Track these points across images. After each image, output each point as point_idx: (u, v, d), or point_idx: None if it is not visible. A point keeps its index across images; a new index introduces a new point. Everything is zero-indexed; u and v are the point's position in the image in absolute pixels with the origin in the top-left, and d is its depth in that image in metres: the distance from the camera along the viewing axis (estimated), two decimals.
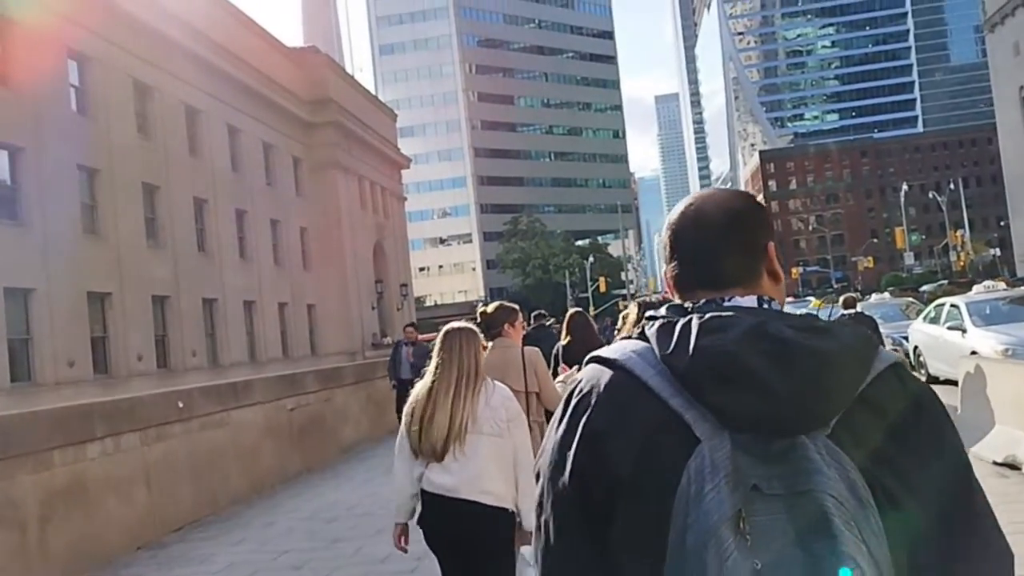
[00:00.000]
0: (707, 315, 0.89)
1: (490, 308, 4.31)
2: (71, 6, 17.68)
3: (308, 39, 54.28)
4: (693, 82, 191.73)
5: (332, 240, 31.21)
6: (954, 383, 8.05)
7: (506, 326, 4.13)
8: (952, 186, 60.32)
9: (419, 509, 2.97)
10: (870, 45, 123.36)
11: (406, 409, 2.94)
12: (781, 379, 0.81)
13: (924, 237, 76.99)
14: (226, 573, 5.51)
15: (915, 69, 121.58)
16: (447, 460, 2.80)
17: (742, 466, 0.80)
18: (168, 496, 6.76)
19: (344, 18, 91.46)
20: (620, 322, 3.91)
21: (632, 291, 63.14)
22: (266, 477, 8.57)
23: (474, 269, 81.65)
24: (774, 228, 1.06)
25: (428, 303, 70.53)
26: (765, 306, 0.95)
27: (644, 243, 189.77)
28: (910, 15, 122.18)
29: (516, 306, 4.33)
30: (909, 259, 56.65)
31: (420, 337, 11.48)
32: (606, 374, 0.93)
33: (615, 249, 74.45)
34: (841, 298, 9.79)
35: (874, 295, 29.13)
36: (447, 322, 3.24)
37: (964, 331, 10.72)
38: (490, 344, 3.83)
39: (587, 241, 74.92)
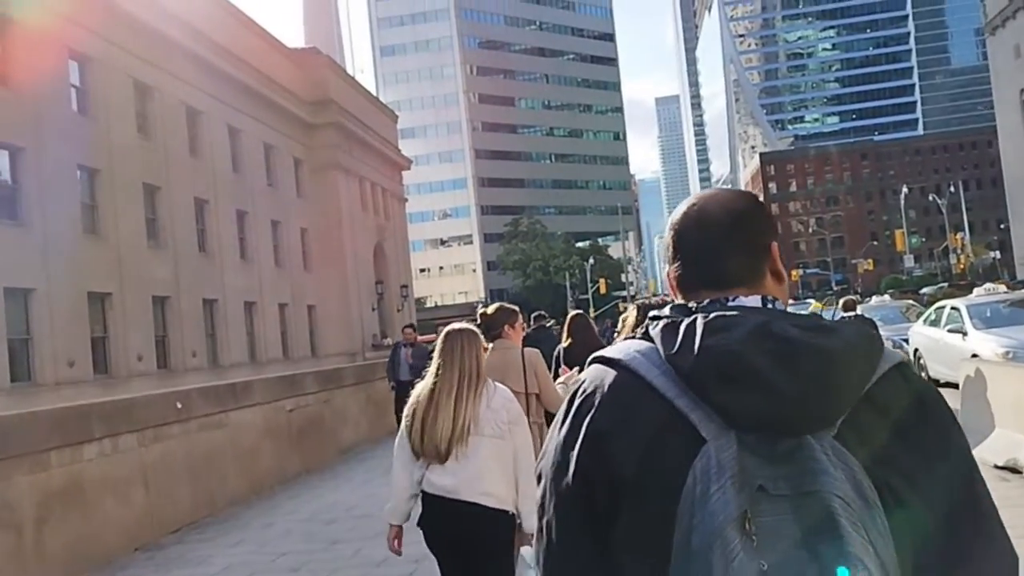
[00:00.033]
0: (712, 315, 0.88)
1: (490, 310, 4.31)
2: (72, 6, 17.69)
3: (309, 40, 54.35)
4: (694, 84, 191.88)
5: (333, 241, 31.20)
6: (954, 386, 8.03)
7: (506, 327, 4.14)
8: (952, 189, 60.32)
9: (416, 511, 2.96)
10: (871, 48, 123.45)
11: (407, 410, 2.94)
12: (786, 379, 0.81)
13: (924, 240, 76.98)
14: (224, 575, 5.49)
15: (915, 72, 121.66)
16: (448, 461, 2.79)
17: (748, 467, 0.79)
18: (166, 497, 6.74)
19: (345, 19, 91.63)
20: (620, 325, 3.90)
21: (632, 293, 63.11)
22: (265, 478, 8.55)
23: (474, 270, 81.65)
24: (777, 228, 1.06)
25: (428, 304, 70.51)
26: (769, 306, 0.94)
27: (644, 245, 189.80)
28: (911, 18, 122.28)
29: (516, 308, 4.33)
30: (909, 262, 56.61)
31: (420, 338, 11.47)
32: (610, 374, 0.93)
33: (615, 251, 74.46)
34: (841, 301, 9.78)
35: (874, 297, 29.12)
36: (447, 323, 3.23)
37: (965, 334, 10.70)
38: (490, 346, 3.83)
39: (587, 243, 74.91)
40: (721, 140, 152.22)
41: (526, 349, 4.17)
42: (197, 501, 7.16)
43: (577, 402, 0.95)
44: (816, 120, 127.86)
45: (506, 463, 2.84)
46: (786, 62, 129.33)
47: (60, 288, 17.14)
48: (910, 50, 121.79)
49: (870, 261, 66.03)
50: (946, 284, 37.76)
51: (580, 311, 6.30)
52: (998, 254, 62.45)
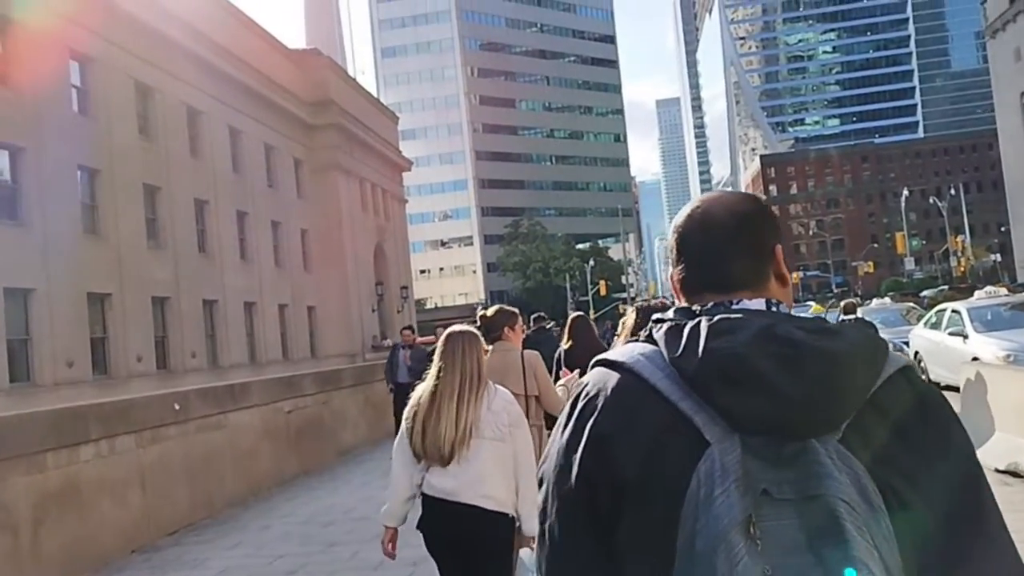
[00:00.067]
0: (716, 318, 0.88)
1: (490, 312, 4.31)
2: (73, 7, 17.69)
3: (310, 41, 54.38)
4: (694, 86, 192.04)
5: (333, 242, 31.19)
6: (955, 389, 8.01)
7: (506, 330, 4.14)
8: (953, 191, 60.33)
9: (413, 514, 2.96)
10: (871, 50, 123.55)
11: (407, 412, 2.93)
12: (791, 382, 0.81)
13: (924, 242, 76.91)
14: None
15: (916, 75, 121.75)
16: (450, 464, 2.79)
17: (752, 470, 0.79)
18: (163, 499, 6.72)
19: (346, 21, 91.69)
20: (620, 328, 3.88)
21: (632, 295, 63.11)
22: (263, 480, 8.52)
23: (474, 272, 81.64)
24: (781, 231, 1.05)
25: (428, 305, 70.51)
26: (773, 309, 0.94)
27: (644, 247, 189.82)
28: (911, 21, 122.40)
29: (516, 310, 4.33)
30: (909, 264, 56.58)
31: (419, 340, 11.43)
32: (613, 377, 0.92)
33: (616, 253, 74.45)
34: (841, 304, 9.77)
35: (875, 300, 29.11)
36: (447, 325, 3.21)
37: (965, 337, 10.67)
38: (490, 348, 3.82)
39: (588, 244, 74.94)
40: (722, 142, 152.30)
41: (526, 351, 4.17)
42: (195, 503, 7.13)
43: (580, 405, 0.94)
44: (817, 122, 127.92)
45: (506, 466, 2.83)
46: (787, 64, 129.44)
47: (60, 288, 17.12)
48: (911, 53, 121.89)
49: (870, 264, 66.02)
50: (946, 287, 37.76)
51: (581, 313, 6.29)
52: (998, 257, 62.43)
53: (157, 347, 21.03)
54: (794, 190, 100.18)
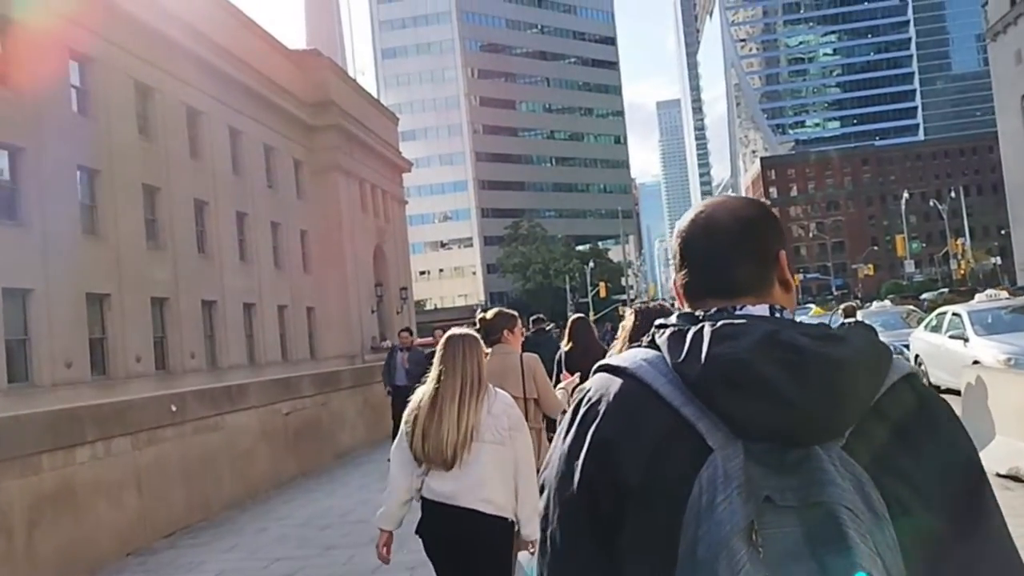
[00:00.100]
0: (719, 323, 0.88)
1: (489, 315, 4.30)
2: (73, 7, 17.67)
3: (311, 42, 54.39)
4: (695, 88, 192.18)
5: (332, 243, 31.17)
6: (956, 392, 7.98)
7: (505, 332, 4.15)
8: (953, 194, 60.31)
9: (409, 518, 2.94)
10: (872, 53, 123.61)
11: (406, 416, 2.91)
12: (795, 388, 0.80)
13: (924, 245, 76.89)
14: None
15: (916, 77, 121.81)
16: (439, 467, 2.78)
17: (755, 477, 0.78)
18: (160, 501, 6.69)
19: (347, 22, 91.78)
20: (620, 331, 3.86)
21: (632, 296, 63.10)
22: (260, 482, 8.49)
23: (474, 273, 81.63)
24: (786, 236, 1.04)
25: (428, 307, 70.48)
26: (777, 315, 0.94)
27: (644, 249, 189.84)
28: (912, 23, 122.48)
29: (515, 313, 4.32)
30: (909, 267, 56.56)
31: (418, 341, 11.38)
32: (615, 383, 0.92)
33: (615, 254, 74.46)
34: (841, 307, 9.74)
35: (875, 303, 29.08)
36: (446, 326, 3.20)
37: (966, 340, 10.64)
38: (489, 351, 3.81)
39: (587, 246, 74.93)
40: (722, 144, 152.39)
41: (525, 354, 4.16)
42: (191, 505, 7.10)
43: (582, 411, 0.93)
44: (817, 125, 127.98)
45: (506, 469, 2.83)
46: (787, 67, 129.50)
47: (59, 289, 17.09)
48: (911, 55, 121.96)
49: (870, 266, 66.01)
50: (947, 290, 37.76)
51: (581, 315, 6.28)
52: (999, 260, 62.41)
53: (156, 348, 21.00)
54: (794, 192, 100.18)
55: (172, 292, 21.75)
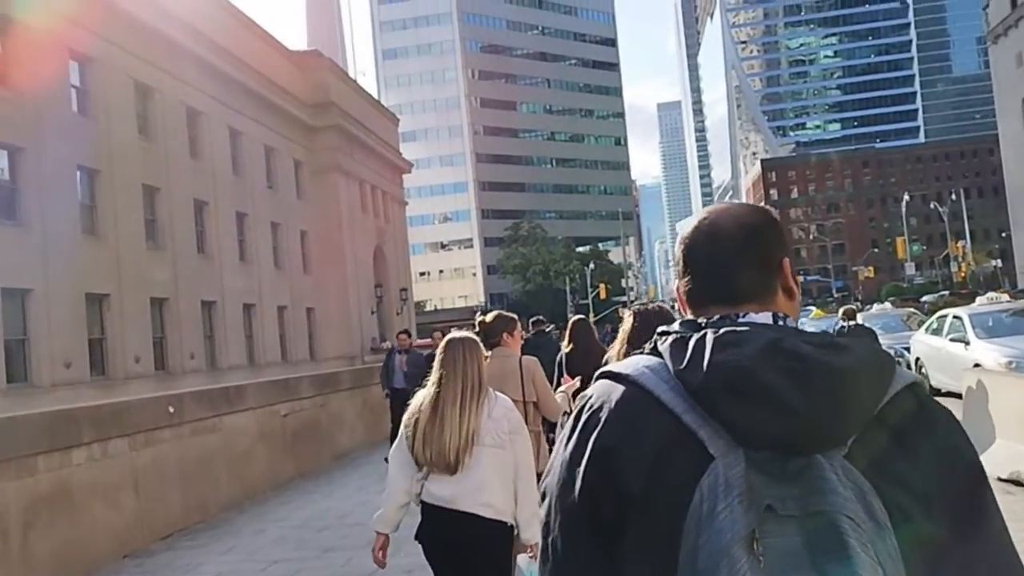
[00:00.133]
0: (722, 330, 0.88)
1: (489, 318, 4.30)
2: (73, 7, 17.67)
3: (312, 43, 54.42)
4: (695, 90, 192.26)
5: (332, 243, 31.15)
6: (956, 395, 7.96)
7: (505, 335, 4.15)
8: (953, 197, 60.32)
9: (407, 520, 2.93)
10: (872, 55, 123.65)
11: (407, 419, 2.91)
12: (798, 396, 0.80)
13: (925, 247, 76.89)
14: None
15: (917, 80, 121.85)
16: (442, 472, 2.77)
17: (756, 485, 0.78)
18: (157, 503, 6.66)
19: (347, 23, 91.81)
20: (620, 333, 3.84)
21: (632, 298, 63.08)
22: (258, 484, 8.46)
23: (474, 274, 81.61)
24: (789, 244, 1.04)
25: (428, 308, 70.48)
26: (780, 323, 0.93)
27: (645, 250, 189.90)
28: (913, 26, 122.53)
29: (514, 316, 4.31)
30: (910, 269, 56.56)
31: (418, 342, 11.34)
32: (617, 389, 0.92)
33: (616, 256, 74.47)
34: (841, 310, 9.71)
35: (875, 305, 29.03)
36: (446, 327, 3.19)
37: (967, 343, 10.62)
38: (489, 354, 3.80)
39: (588, 248, 74.92)
40: (722, 146, 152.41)
41: (524, 357, 4.15)
42: (189, 507, 7.07)
43: (584, 418, 0.93)
44: (818, 127, 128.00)
45: (506, 473, 2.82)
46: (788, 69, 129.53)
47: (58, 289, 17.07)
48: (912, 58, 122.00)
49: (871, 268, 66.00)
50: (947, 292, 37.73)
51: (582, 316, 6.27)
52: (999, 262, 62.39)
53: (155, 348, 20.98)
54: (795, 194, 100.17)
55: (172, 292, 21.73)
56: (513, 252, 70.79)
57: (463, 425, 2.76)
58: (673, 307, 2.99)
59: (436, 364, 2.91)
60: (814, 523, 0.76)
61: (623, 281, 66.06)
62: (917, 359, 12.30)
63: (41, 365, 16.73)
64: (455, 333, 3.06)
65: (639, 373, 0.91)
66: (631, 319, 3.15)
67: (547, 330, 8.36)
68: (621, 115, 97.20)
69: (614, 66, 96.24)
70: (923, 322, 14.04)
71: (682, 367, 0.86)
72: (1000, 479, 6.08)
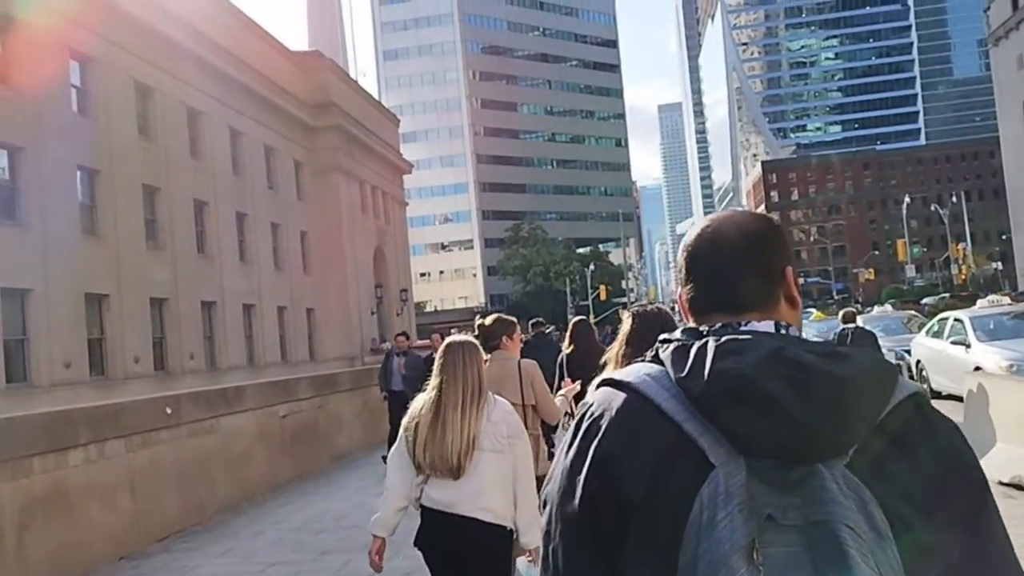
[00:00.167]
0: (724, 338, 0.88)
1: (488, 321, 4.29)
2: (74, 7, 17.66)
3: (313, 43, 54.42)
4: (696, 92, 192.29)
5: (332, 244, 31.13)
6: (957, 398, 7.94)
7: (504, 339, 4.16)
8: (954, 199, 60.29)
9: (404, 523, 2.93)
10: (873, 57, 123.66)
11: (406, 423, 2.90)
12: (800, 404, 0.80)
13: (925, 250, 76.84)
14: None
15: (918, 82, 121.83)
16: (445, 476, 2.77)
17: (757, 495, 0.78)
18: (154, 504, 6.63)
19: (348, 23, 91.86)
20: (620, 336, 3.82)
21: (633, 299, 63.05)
22: (256, 485, 8.43)
23: (475, 275, 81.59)
24: (793, 252, 1.04)
25: (428, 309, 70.48)
26: (783, 331, 0.93)
27: (645, 252, 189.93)
28: (914, 28, 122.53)
29: (514, 319, 4.30)
30: (910, 271, 56.54)
31: (418, 343, 11.31)
32: (618, 397, 0.92)
33: (616, 257, 74.45)
34: (840, 312, 9.67)
35: (876, 307, 29.01)
36: (444, 329, 3.18)
37: (968, 346, 10.59)
38: (488, 357, 3.80)
39: (588, 249, 74.91)
40: (723, 148, 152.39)
41: (523, 360, 4.14)
42: (186, 508, 7.04)
43: (585, 425, 0.94)
44: (818, 129, 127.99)
45: (505, 477, 2.82)
46: (789, 71, 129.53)
47: (58, 289, 17.05)
48: (913, 60, 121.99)
49: (871, 270, 65.99)
50: (948, 295, 37.69)
51: (583, 317, 6.26)
52: (1000, 265, 62.34)
53: (155, 348, 20.95)
54: (795, 196, 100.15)
55: (171, 293, 21.70)
56: (513, 253, 70.77)
57: (464, 430, 2.76)
58: (673, 309, 2.96)
59: (436, 368, 2.90)
60: (815, 533, 0.76)
61: (623, 282, 66.02)
62: (918, 362, 12.27)
63: (40, 365, 16.71)
64: (454, 337, 3.06)
65: (640, 381, 0.91)
66: (630, 321, 3.13)
67: (547, 332, 8.34)
68: (622, 116, 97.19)
69: (615, 67, 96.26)
70: (924, 325, 14.01)
71: (683, 375, 0.86)
72: (1001, 483, 6.05)
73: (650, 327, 2.71)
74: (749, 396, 0.81)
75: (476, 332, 4.12)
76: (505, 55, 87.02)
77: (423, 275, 73.99)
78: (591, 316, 45.72)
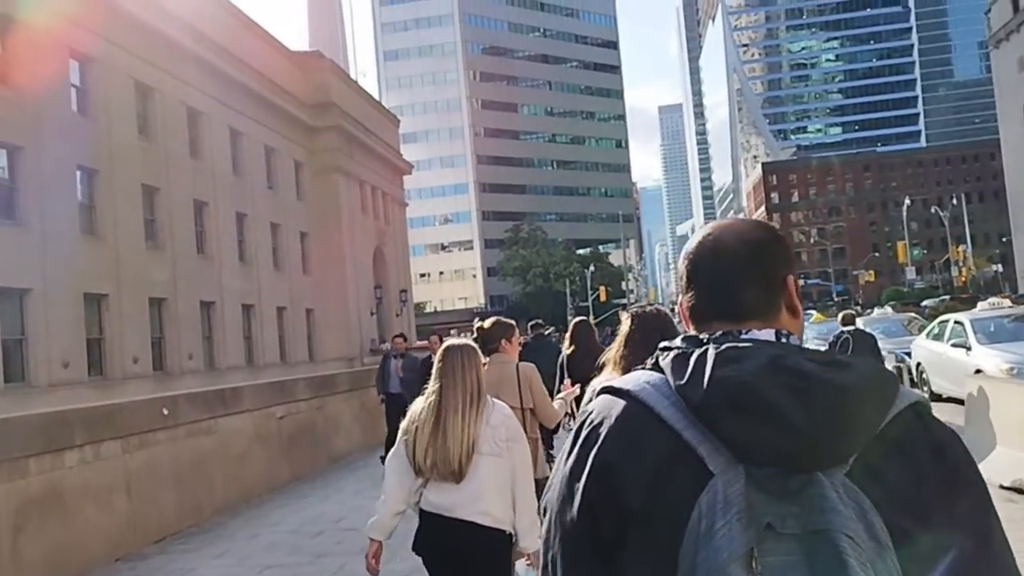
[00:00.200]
0: (724, 346, 0.88)
1: (487, 324, 4.28)
2: (74, 7, 17.64)
3: (313, 44, 54.44)
4: (697, 93, 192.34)
5: (332, 244, 31.11)
6: (957, 401, 7.91)
7: (503, 342, 4.14)
8: (954, 201, 60.27)
9: (402, 526, 2.92)
10: (874, 59, 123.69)
11: (405, 427, 2.90)
12: (800, 412, 0.80)
13: (926, 252, 76.82)
14: None
15: (919, 84, 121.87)
16: (446, 480, 2.77)
17: (756, 503, 0.78)
18: (150, 506, 6.60)
19: (349, 24, 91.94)
20: (619, 337, 3.81)
21: (633, 300, 63.02)
22: (254, 486, 8.40)
23: (475, 276, 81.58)
24: (795, 261, 1.03)
25: (428, 309, 70.48)
26: (783, 340, 0.93)
27: (645, 253, 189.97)
28: (914, 30, 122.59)
29: (513, 322, 4.29)
30: (910, 273, 56.51)
31: (417, 343, 11.28)
32: (618, 405, 0.92)
33: (616, 258, 74.44)
34: (840, 315, 9.62)
35: (876, 309, 28.99)
36: (443, 331, 3.17)
37: (968, 348, 10.56)
38: (487, 360, 3.79)
39: (588, 250, 74.90)
40: (723, 149, 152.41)
41: (521, 364, 4.13)
42: (183, 510, 7.01)
43: (584, 433, 0.94)
44: (819, 130, 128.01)
45: (504, 481, 2.82)
46: (789, 72, 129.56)
47: (57, 288, 17.03)
48: (913, 62, 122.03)
49: (871, 272, 65.96)
50: (948, 297, 37.65)
51: (584, 318, 6.24)
52: (1000, 267, 62.32)
53: (154, 348, 20.92)
54: (796, 198, 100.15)
55: (171, 293, 21.68)
56: (513, 254, 70.76)
57: (465, 434, 2.76)
58: (673, 310, 2.93)
59: (435, 372, 2.90)
60: (814, 542, 0.76)
61: (623, 284, 66.00)
62: (918, 364, 12.24)
63: (39, 365, 16.68)
64: (453, 340, 3.05)
65: (640, 388, 0.91)
66: (629, 321, 3.11)
67: (546, 333, 8.32)
68: (622, 118, 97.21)
69: (615, 69, 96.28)
70: (924, 327, 13.98)
71: (683, 382, 0.86)
72: (1002, 487, 6.02)
73: (649, 328, 2.69)
74: (749, 404, 0.81)
75: (475, 335, 4.10)
76: (506, 56, 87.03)
77: (423, 276, 73.98)
78: (591, 317, 45.73)
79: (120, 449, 6.24)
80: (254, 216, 26.69)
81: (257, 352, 26.18)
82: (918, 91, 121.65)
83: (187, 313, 22.21)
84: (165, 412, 6.81)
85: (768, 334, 0.93)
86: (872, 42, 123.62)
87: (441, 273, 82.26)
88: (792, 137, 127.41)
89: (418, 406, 2.87)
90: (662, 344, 0.95)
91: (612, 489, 0.87)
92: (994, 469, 6.28)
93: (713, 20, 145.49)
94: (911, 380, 12.07)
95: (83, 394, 14.62)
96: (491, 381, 3.48)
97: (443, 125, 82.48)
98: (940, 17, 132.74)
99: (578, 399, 4.25)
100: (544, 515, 0.97)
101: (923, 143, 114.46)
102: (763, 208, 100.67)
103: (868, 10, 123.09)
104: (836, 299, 70.26)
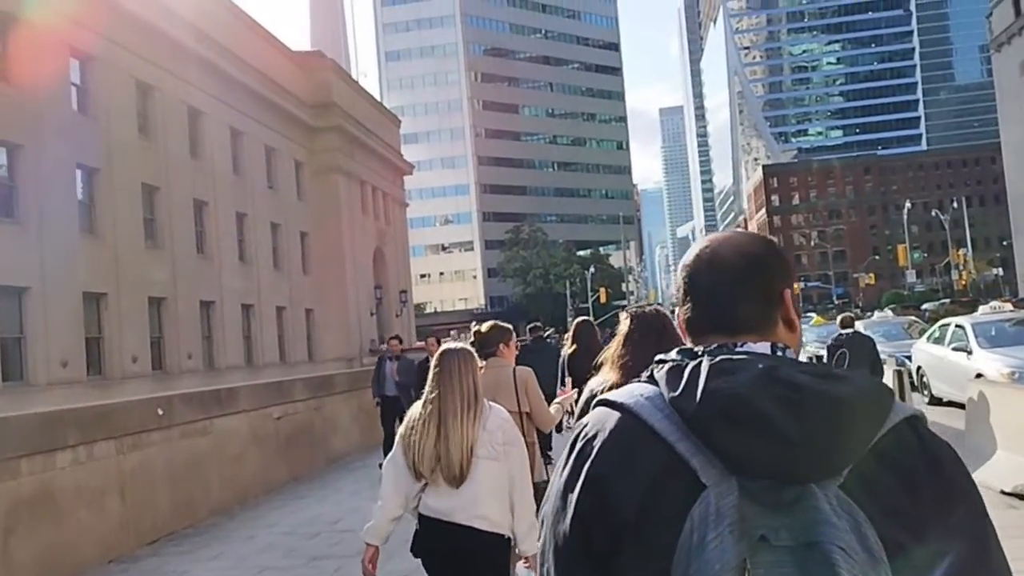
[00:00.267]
0: (718, 358, 0.88)
1: (484, 328, 4.27)
2: (76, 6, 17.61)
3: (315, 44, 54.47)
4: (698, 95, 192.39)
5: (332, 245, 31.07)
6: (958, 405, 7.85)
7: (500, 346, 4.11)
8: (955, 204, 60.25)
9: (400, 528, 2.93)
10: (875, 62, 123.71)
11: (403, 431, 2.88)
12: (793, 424, 0.80)
13: (926, 255, 76.75)
14: None
15: (920, 87, 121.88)
16: (443, 485, 2.77)
17: (749, 515, 0.78)
18: (144, 507, 6.55)
19: (351, 24, 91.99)
20: (618, 337, 3.78)
21: (633, 302, 63.00)
22: (250, 487, 8.35)
23: (475, 277, 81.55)
24: (793, 274, 1.03)
25: (428, 310, 70.45)
26: (779, 353, 0.93)
27: (645, 255, 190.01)
28: (916, 33, 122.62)
29: (510, 326, 4.28)
30: (911, 277, 56.44)
31: (416, 344, 11.22)
32: (612, 417, 0.92)
33: (616, 260, 74.41)
34: (839, 317, 9.56)
35: (876, 312, 28.96)
36: (442, 332, 3.15)
37: (969, 352, 10.51)
38: (484, 364, 3.78)
39: (588, 251, 74.87)
40: (724, 151, 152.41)
41: (517, 368, 4.12)
42: (177, 511, 6.96)
43: (578, 446, 0.94)
44: (820, 133, 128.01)
45: (501, 485, 2.82)
46: (790, 75, 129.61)
47: (55, 287, 16.98)
48: (915, 65, 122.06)
49: (872, 275, 65.88)
50: (948, 300, 37.60)
51: (586, 318, 6.20)
52: (1000, 271, 62.26)
53: (153, 348, 20.86)
54: (796, 200, 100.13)
55: (170, 292, 21.63)
56: (514, 255, 70.74)
57: (464, 438, 2.76)
58: (672, 312, 2.89)
59: (431, 377, 2.89)
60: (807, 554, 0.75)
61: (623, 285, 65.96)
62: (918, 368, 12.19)
63: (37, 364, 16.63)
64: (449, 344, 3.05)
65: (634, 401, 0.91)
66: (628, 321, 3.07)
67: (545, 336, 8.28)
68: (623, 119, 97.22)
69: (616, 70, 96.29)
70: (924, 330, 13.93)
71: (677, 394, 0.86)
72: (1003, 492, 5.96)
73: (648, 328, 2.66)
74: (742, 416, 0.81)
75: (473, 339, 4.09)
76: (507, 57, 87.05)
77: (423, 276, 73.94)
78: (591, 318, 45.65)
79: (114, 450, 6.19)
80: (254, 216, 26.65)
81: (256, 352, 26.13)
82: (919, 94, 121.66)
83: (186, 313, 22.16)
84: (160, 412, 6.76)
85: (764, 347, 0.93)
86: (873, 45, 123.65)
87: (441, 274, 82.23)
88: (793, 140, 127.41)
89: (415, 411, 2.86)
90: (657, 357, 0.95)
91: (605, 502, 0.87)
92: (995, 474, 6.23)
93: (714, 22, 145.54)
94: (911, 384, 12.02)
95: (81, 393, 14.57)
96: (488, 385, 3.48)
97: (444, 126, 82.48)
98: (941, 21, 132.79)
99: (579, 399, 4.24)
100: (541, 527, 0.97)
101: (924, 146, 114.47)
102: (764, 210, 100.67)
103: (869, 13, 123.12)
104: (836, 302, 70.20)
